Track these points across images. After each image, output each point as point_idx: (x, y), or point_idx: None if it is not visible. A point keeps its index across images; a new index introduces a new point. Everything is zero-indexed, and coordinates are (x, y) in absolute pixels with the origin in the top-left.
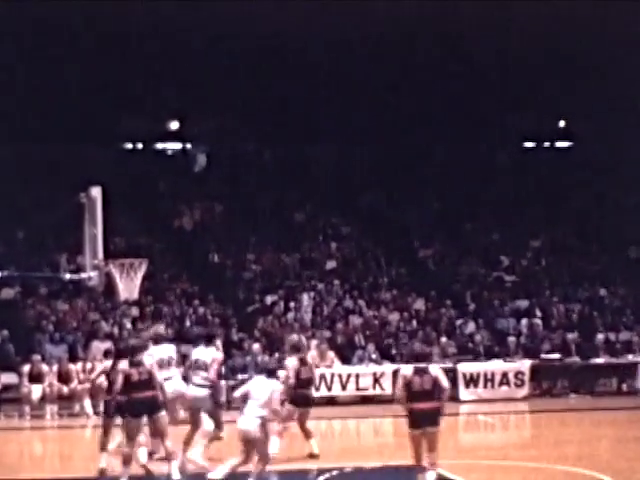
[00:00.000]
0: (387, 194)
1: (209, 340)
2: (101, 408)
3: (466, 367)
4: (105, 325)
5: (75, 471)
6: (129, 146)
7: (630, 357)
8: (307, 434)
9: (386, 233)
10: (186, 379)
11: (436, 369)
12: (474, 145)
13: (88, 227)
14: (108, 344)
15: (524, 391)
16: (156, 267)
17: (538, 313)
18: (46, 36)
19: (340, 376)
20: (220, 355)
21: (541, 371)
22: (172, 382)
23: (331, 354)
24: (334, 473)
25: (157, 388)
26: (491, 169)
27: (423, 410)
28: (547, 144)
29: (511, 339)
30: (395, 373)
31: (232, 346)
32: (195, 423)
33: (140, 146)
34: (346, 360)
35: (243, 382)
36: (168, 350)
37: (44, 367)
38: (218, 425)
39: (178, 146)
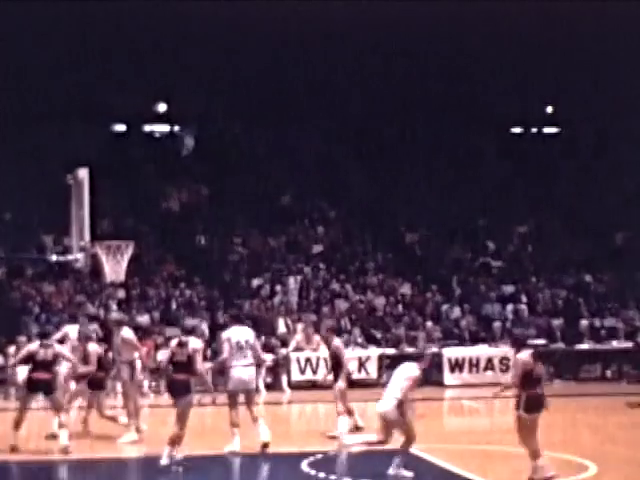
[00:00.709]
0: (374, 178)
1: (241, 320)
2: None
3: (451, 352)
4: (91, 307)
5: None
6: (117, 128)
7: (614, 343)
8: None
9: (372, 217)
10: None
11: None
12: (460, 130)
13: (75, 209)
14: (94, 326)
15: (509, 376)
16: (142, 249)
17: (524, 299)
18: (34, 17)
19: (326, 360)
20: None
21: None
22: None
23: (317, 338)
24: (318, 457)
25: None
26: (478, 154)
27: (538, 395)
28: (534, 130)
29: (496, 324)
30: (381, 357)
31: (218, 329)
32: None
33: (127, 128)
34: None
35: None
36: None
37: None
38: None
39: (166, 128)
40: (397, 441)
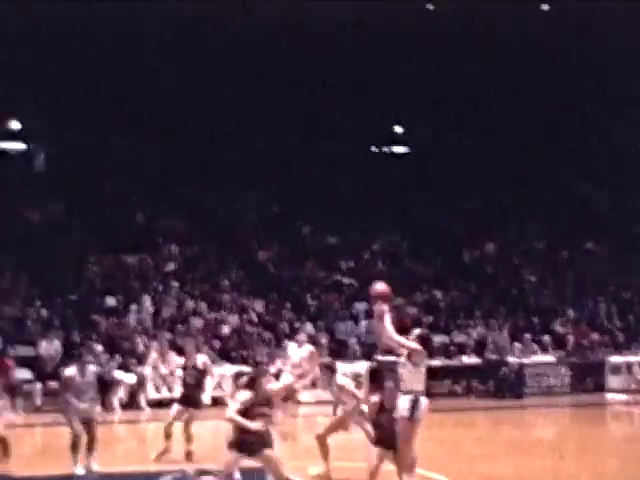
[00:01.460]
0: (225, 196)
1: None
2: None
3: None
4: None
5: None
6: None
7: (464, 359)
8: None
9: (224, 235)
10: None
11: None
12: (315, 146)
13: None
14: None
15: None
16: None
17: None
18: None
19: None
20: None
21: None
22: None
23: (172, 356)
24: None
25: None
26: (333, 170)
27: None
28: (385, 149)
29: (352, 342)
30: (237, 376)
31: (73, 348)
32: None
33: None
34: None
35: None
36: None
37: None
38: None
39: (19, 146)
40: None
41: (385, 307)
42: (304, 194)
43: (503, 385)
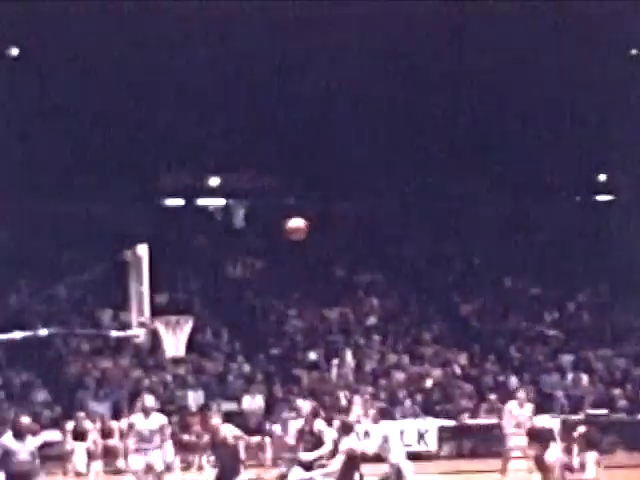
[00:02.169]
0: (426, 249)
1: None
2: None
3: None
4: (149, 382)
5: None
6: (169, 202)
7: None
8: None
9: (427, 288)
10: None
11: None
12: (513, 199)
13: (134, 285)
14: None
15: None
16: (199, 323)
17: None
18: (84, 95)
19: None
20: None
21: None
22: None
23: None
24: None
25: None
26: (533, 223)
27: None
28: (590, 197)
29: (557, 394)
30: (440, 429)
31: (276, 403)
32: None
33: (181, 202)
34: (390, 416)
35: None
36: None
37: (88, 424)
38: None
39: (219, 202)
40: None
41: None
42: (506, 245)
43: None
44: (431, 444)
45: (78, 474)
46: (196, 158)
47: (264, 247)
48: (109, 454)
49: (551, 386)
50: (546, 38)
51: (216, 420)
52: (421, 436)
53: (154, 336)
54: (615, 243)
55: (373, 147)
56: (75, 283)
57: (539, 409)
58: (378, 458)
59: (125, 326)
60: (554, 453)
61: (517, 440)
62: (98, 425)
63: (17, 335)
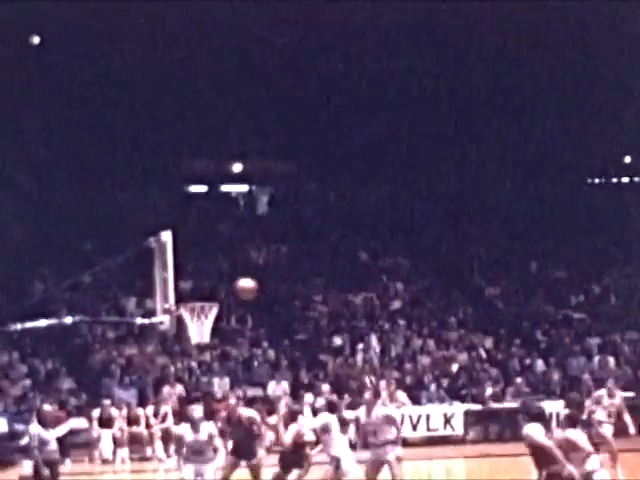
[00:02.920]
0: (451, 233)
1: None
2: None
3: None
4: (174, 369)
5: None
6: (194, 189)
7: None
8: None
9: (451, 272)
10: None
11: None
12: (538, 182)
13: (158, 271)
14: (179, 388)
15: None
16: (223, 310)
17: (609, 351)
18: (107, 83)
19: (410, 417)
20: None
21: None
22: None
23: (401, 394)
24: None
25: None
26: (555, 206)
27: None
28: (614, 179)
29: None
30: (466, 413)
31: (302, 388)
32: None
33: (204, 189)
34: (416, 400)
35: None
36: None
37: (114, 411)
38: None
39: (242, 188)
40: None
41: None
42: (532, 229)
43: None
44: (457, 428)
45: (104, 461)
46: (219, 144)
47: (288, 233)
48: (135, 441)
49: (578, 369)
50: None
51: (233, 401)
52: (447, 420)
53: (179, 323)
54: None
55: (397, 133)
56: (100, 271)
57: (565, 392)
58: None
59: (150, 313)
60: None
61: (607, 429)
62: (124, 412)
63: (42, 323)
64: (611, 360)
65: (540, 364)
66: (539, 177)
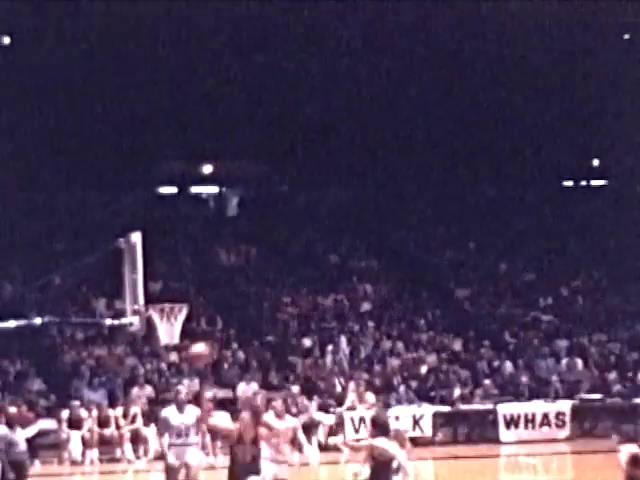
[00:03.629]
0: (420, 235)
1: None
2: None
3: (507, 408)
4: (144, 370)
5: None
6: (164, 190)
7: None
8: None
9: (421, 274)
10: None
11: None
12: (508, 184)
13: (128, 272)
14: (148, 390)
15: (566, 432)
16: (193, 311)
17: (578, 353)
18: (78, 84)
19: None
20: None
21: (582, 411)
22: None
23: (370, 396)
24: None
25: None
26: (527, 208)
27: None
28: (583, 182)
29: (554, 379)
30: (435, 415)
31: (271, 389)
32: None
33: (174, 190)
34: (385, 402)
35: None
36: None
37: (83, 413)
38: None
39: (212, 190)
40: None
41: None
42: (501, 232)
43: None
44: (426, 430)
45: (74, 462)
46: (190, 146)
47: (257, 234)
48: (104, 442)
49: (546, 371)
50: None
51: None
52: (416, 422)
53: (148, 324)
54: (609, 228)
55: (367, 134)
56: (69, 271)
57: (534, 394)
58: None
59: (119, 314)
60: None
61: None
62: (94, 413)
63: (11, 324)
64: (579, 362)
65: (509, 366)
66: (510, 179)
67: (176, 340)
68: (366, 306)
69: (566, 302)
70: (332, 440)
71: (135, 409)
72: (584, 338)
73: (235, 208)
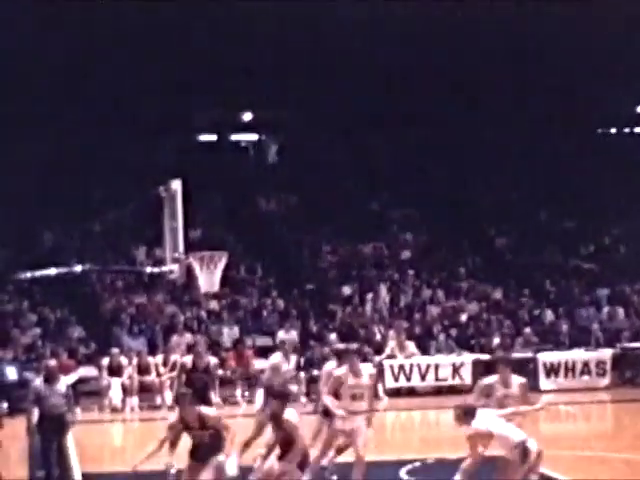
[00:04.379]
0: (462, 183)
1: None
2: None
3: (547, 357)
4: (183, 318)
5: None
6: (204, 138)
7: None
8: None
9: (461, 222)
10: None
11: None
12: (550, 131)
13: (168, 220)
14: (188, 337)
15: (606, 380)
16: (233, 259)
17: (619, 301)
18: (119, 34)
19: (419, 367)
20: None
21: (623, 360)
22: None
23: (410, 344)
24: (416, 464)
25: None
26: (568, 155)
27: None
28: (626, 129)
29: (592, 328)
30: (475, 363)
31: (310, 338)
32: None
33: (214, 138)
34: (424, 350)
35: None
36: None
37: (123, 360)
38: None
39: (252, 137)
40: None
41: None
42: (541, 179)
43: None
44: (466, 378)
45: (114, 409)
46: (230, 93)
47: (297, 182)
48: (145, 389)
49: (587, 319)
50: None
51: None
52: (456, 370)
53: (188, 272)
54: None
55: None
56: (110, 220)
57: (575, 342)
58: None
59: (159, 262)
60: None
61: None
62: (134, 361)
63: (52, 272)
64: (620, 311)
65: (549, 314)
66: (552, 126)
67: (216, 288)
68: (406, 254)
69: (607, 250)
70: None
71: (175, 357)
72: (625, 286)
73: (275, 156)
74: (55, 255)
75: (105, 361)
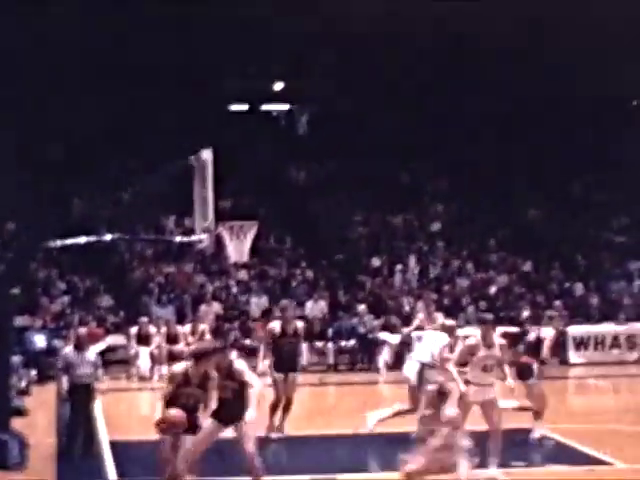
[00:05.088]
0: (492, 155)
1: None
2: None
3: (577, 330)
4: (212, 287)
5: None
6: (235, 108)
7: None
8: None
9: (492, 193)
10: None
11: None
12: (579, 102)
13: (198, 190)
14: (216, 307)
15: (636, 354)
16: (262, 229)
17: None
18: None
19: None
20: None
21: None
22: None
23: (439, 316)
24: None
25: None
26: (600, 127)
27: None
28: None
29: (623, 301)
30: (503, 336)
31: (339, 309)
32: None
33: (245, 107)
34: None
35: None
36: None
37: (151, 329)
38: None
39: (283, 107)
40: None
41: None
42: (573, 151)
43: None
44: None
45: (142, 378)
46: (261, 63)
47: (328, 153)
48: (173, 358)
49: (618, 293)
50: None
51: (274, 324)
52: None
53: (218, 241)
54: None
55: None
56: (139, 189)
57: (604, 316)
58: None
59: (189, 231)
60: None
61: None
62: (163, 330)
63: (81, 240)
64: None
65: (579, 288)
66: (581, 98)
67: (245, 258)
68: (436, 226)
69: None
70: None
71: (203, 326)
72: None
73: (305, 126)
74: (85, 224)
75: (134, 330)
